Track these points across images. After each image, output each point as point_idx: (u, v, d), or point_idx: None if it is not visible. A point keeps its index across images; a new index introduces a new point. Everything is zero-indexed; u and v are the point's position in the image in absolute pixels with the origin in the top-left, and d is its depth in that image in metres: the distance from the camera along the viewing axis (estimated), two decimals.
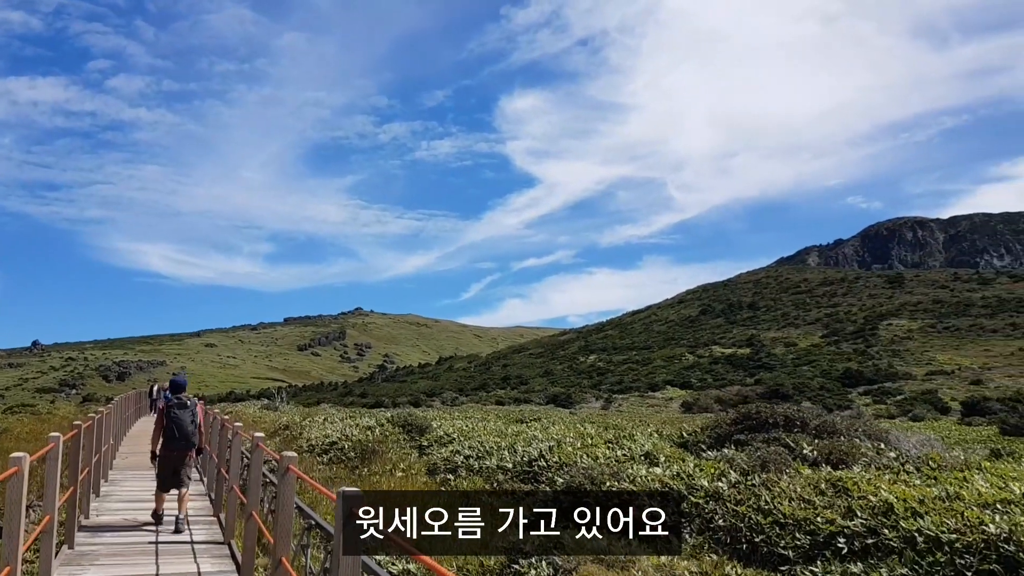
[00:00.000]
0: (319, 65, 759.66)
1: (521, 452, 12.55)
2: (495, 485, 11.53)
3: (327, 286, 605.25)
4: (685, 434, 15.29)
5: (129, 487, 14.97)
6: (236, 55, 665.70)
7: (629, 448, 12.07)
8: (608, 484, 8.57)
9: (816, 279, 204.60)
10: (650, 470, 8.93)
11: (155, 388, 38.10)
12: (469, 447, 14.20)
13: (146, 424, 31.18)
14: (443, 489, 12.38)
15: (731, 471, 8.70)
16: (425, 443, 16.56)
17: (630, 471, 8.87)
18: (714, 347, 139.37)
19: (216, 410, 17.42)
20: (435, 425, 18.56)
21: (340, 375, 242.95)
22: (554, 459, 11.60)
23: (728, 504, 7.87)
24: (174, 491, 11.13)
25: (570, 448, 12.33)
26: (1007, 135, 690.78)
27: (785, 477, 8.37)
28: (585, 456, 11.46)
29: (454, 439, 15.85)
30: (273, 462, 13.97)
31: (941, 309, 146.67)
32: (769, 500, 7.76)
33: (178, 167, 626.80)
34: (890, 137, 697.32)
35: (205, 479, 15.76)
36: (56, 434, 7.68)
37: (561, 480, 9.62)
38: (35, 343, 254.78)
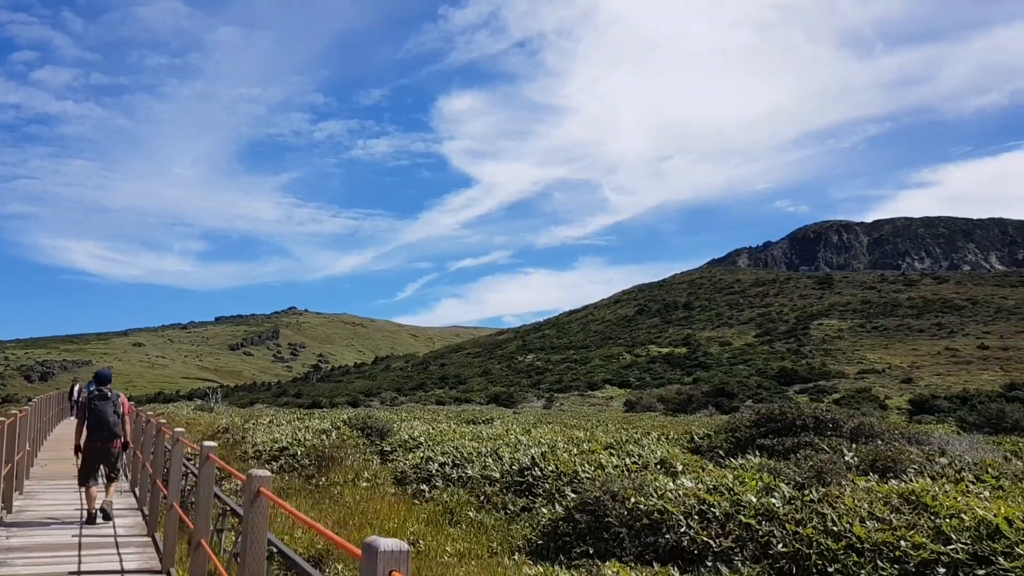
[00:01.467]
0: (254, 61, 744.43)
1: (508, 459, 11.06)
2: (482, 498, 10.05)
3: (261, 285, 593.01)
4: (697, 438, 13.91)
5: (48, 500, 13.03)
6: (168, 49, 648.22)
7: (639, 455, 10.69)
8: (634, 500, 7.20)
9: (748, 280, 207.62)
10: (679, 483, 7.58)
11: (76, 388, 35.39)
12: (443, 453, 12.63)
13: (68, 427, 28.74)
14: (416, 502, 10.84)
15: (781, 484, 7.42)
16: (388, 448, 14.90)
17: (656, 484, 7.52)
18: (651, 346, 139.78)
19: (151, 412, 15.54)
20: (397, 428, 16.90)
21: (273, 375, 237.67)
22: (549, 468, 10.15)
23: (787, 525, 6.56)
24: (97, 485, 10.99)
25: (565, 455, 10.91)
26: (927, 143, 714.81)
27: (847, 491, 7.12)
28: (587, 464, 10.06)
29: (421, 443, 14.25)
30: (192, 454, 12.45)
31: (870, 309, 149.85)
32: (836, 520, 6.48)
33: (106, 162, 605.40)
34: (817, 143, 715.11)
35: (137, 491, 13.98)
36: None
37: (573, 494, 8.21)
38: None
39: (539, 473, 10.11)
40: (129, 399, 12.91)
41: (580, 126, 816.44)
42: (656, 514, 7.03)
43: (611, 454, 10.99)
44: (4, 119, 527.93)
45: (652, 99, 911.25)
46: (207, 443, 7.11)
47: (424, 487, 11.40)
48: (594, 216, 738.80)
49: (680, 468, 9.48)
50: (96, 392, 11.00)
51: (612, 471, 9.48)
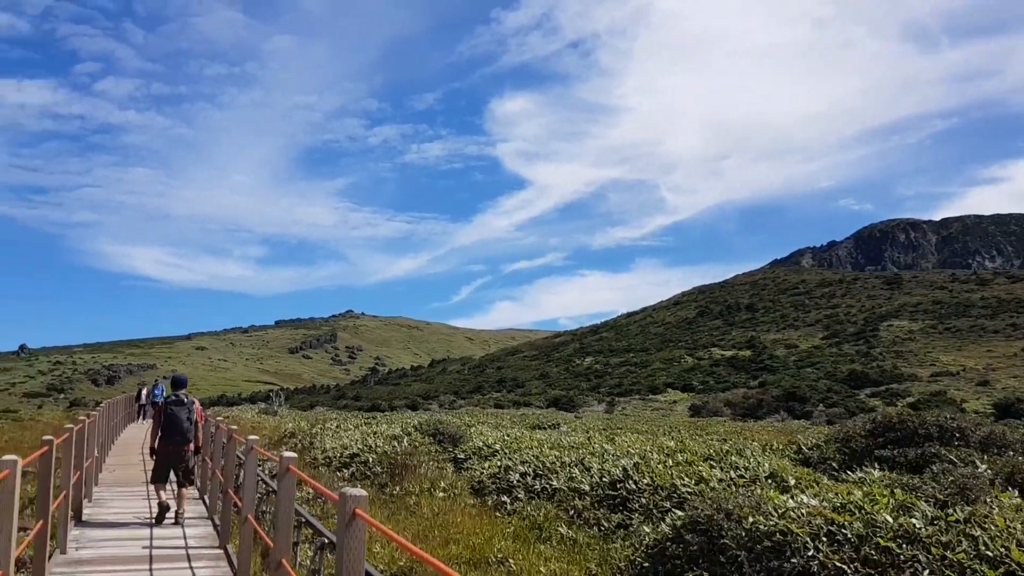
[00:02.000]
0: (309, 68, 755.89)
1: (597, 470, 10.35)
2: (572, 513, 9.38)
3: (318, 289, 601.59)
4: (806, 448, 12.95)
5: (117, 507, 12.73)
6: (226, 58, 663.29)
7: (744, 467, 9.87)
8: (752, 519, 6.46)
9: (814, 280, 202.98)
10: (799, 500, 6.81)
11: (143, 392, 35.66)
12: (522, 462, 11.95)
13: (136, 431, 28.86)
14: (498, 515, 10.19)
15: (918, 501, 6.61)
16: (461, 455, 14.29)
17: (775, 501, 6.76)
18: (713, 349, 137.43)
19: (220, 418, 15.29)
20: (470, 434, 16.24)
21: (332, 378, 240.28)
22: (644, 480, 9.42)
23: (933, 549, 5.77)
24: (167, 487, 11.29)
25: (660, 466, 10.14)
26: (996, 138, 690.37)
27: (994, 509, 6.30)
28: (686, 477, 9.30)
29: (497, 451, 13.60)
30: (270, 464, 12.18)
31: (941, 310, 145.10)
32: (988, 543, 5.67)
33: (168, 170, 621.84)
34: (881, 140, 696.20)
35: (207, 499, 13.70)
36: (11, 457, 5.58)
37: (679, 512, 7.47)
38: (22, 347, 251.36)
39: (633, 486, 9.37)
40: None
41: (635, 126, 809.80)
42: (778, 535, 6.27)
43: (711, 466, 10.16)
44: (69, 130, 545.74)
45: (708, 97, 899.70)
46: (286, 454, 6.59)
47: (505, 498, 10.73)
48: (651, 217, 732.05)
49: (793, 483, 8.67)
50: (173, 397, 11.31)
51: (716, 485, 8.73)
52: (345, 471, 13.22)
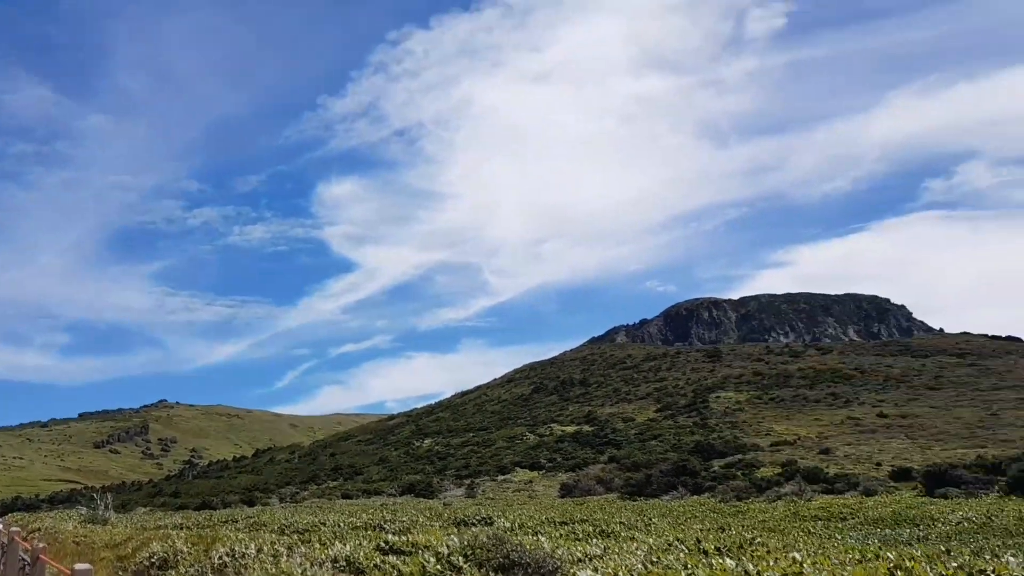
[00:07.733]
0: (126, 148, 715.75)
1: None
2: None
3: (129, 378, 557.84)
4: None
5: None
6: (34, 136, 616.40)
7: None
8: None
9: (639, 355, 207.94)
10: None
11: None
12: None
13: None
14: None
15: None
16: None
17: None
18: (553, 425, 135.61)
19: (24, 528, 10.19)
20: (568, 562, 9.09)
21: (143, 473, 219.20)
22: None
23: None
24: None
25: None
26: (780, 226, 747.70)
27: None
28: None
29: None
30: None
31: (763, 381, 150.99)
32: None
33: None
34: (681, 226, 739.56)
35: None
36: None
37: None
38: None
39: None
40: None
41: (460, 211, 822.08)
42: None
43: None
44: None
45: (527, 185, 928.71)
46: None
47: None
48: (476, 298, 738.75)
49: None
50: None
51: None
52: None
